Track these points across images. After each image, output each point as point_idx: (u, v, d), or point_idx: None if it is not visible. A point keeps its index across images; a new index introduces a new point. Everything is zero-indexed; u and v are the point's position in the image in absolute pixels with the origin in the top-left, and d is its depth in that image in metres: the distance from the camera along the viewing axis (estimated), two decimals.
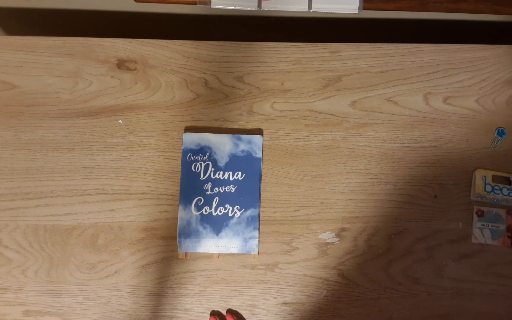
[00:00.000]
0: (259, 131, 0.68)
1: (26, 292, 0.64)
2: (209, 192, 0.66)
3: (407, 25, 0.83)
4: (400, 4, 0.68)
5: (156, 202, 0.66)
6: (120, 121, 0.68)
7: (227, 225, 0.65)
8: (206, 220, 0.65)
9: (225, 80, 0.69)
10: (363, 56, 0.70)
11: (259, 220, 0.66)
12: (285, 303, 0.66)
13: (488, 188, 0.67)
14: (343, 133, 0.69)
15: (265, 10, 0.67)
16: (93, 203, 0.66)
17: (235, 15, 0.81)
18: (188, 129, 0.68)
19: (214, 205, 0.66)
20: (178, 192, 0.66)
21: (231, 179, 0.66)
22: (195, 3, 0.67)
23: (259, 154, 0.67)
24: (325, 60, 0.70)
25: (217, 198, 0.66)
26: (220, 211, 0.66)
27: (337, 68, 0.70)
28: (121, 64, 0.69)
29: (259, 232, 0.66)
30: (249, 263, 0.66)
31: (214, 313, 0.65)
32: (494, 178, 0.68)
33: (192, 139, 0.67)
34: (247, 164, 0.67)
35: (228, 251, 0.65)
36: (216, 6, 0.67)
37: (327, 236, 0.67)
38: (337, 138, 0.68)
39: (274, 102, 0.69)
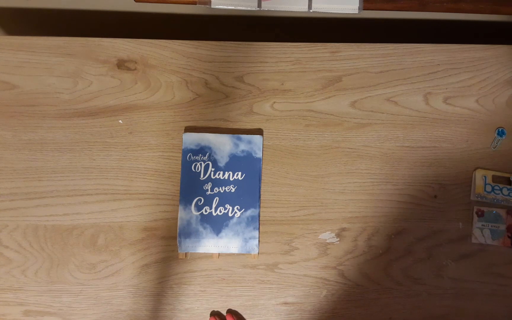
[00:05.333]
0: (259, 131, 0.68)
1: (26, 292, 0.64)
2: (209, 192, 0.66)
3: (407, 25, 0.83)
4: (400, 4, 0.68)
5: (156, 202, 0.66)
6: (120, 121, 0.68)
7: (227, 225, 0.65)
8: (206, 220, 0.65)
9: (225, 80, 0.69)
10: (363, 56, 0.70)
11: (259, 220, 0.66)
12: (285, 303, 0.66)
13: (488, 188, 0.67)
14: (343, 133, 0.69)
15: (265, 10, 0.67)
16: (93, 203, 0.66)
17: (235, 15, 0.81)
18: (188, 129, 0.68)
19: (214, 205, 0.66)
20: (178, 192, 0.66)
21: (231, 179, 0.66)
22: (195, 3, 0.67)
23: (259, 154, 0.67)
24: (325, 60, 0.70)
25: (217, 198, 0.66)
26: (220, 211, 0.66)
27: (337, 68, 0.70)
28: (121, 64, 0.69)
29: (259, 232, 0.66)
30: (249, 263, 0.66)
31: (214, 313, 0.65)
32: (494, 178, 0.68)
33: (192, 139, 0.67)
34: (247, 164, 0.67)
35: (228, 251, 0.65)
36: (216, 6, 0.67)
37: (327, 236, 0.67)
38: (337, 138, 0.68)
39: (274, 102, 0.69)
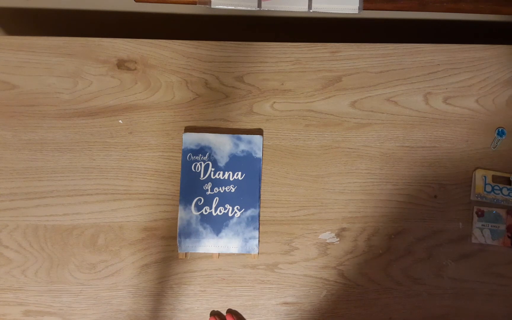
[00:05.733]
0: (259, 131, 0.68)
1: (26, 292, 0.64)
2: (209, 192, 0.66)
3: (407, 25, 0.83)
4: (400, 4, 0.68)
5: (156, 202, 0.66)
6: (120, 121, 0.68)
7: (227, 225, 0.65)
8: (206, 220, 0.65)
9: (225, 80, 0.69)
10: (363, 56, 0.70)
11: (259, 220, 0.66)
12: (285, 303, 0.66)
13: (488, 188, 0.67)
14: (343, 133, 0.69)
15: (265, 10, 0.67)
16: (93, 203, 0.66)
17: (235, 15, 0.81)
18: (188, 129, 0.68)
19: (214, 205, 0.66)
20: (178, 192, 0.66)
21: (231, 179, 0.66)
22: (195, 3, 0.67)
23: (259, 154, 0.67)
24: (325, 60, 0.70)
25: (217, 198, 0.66)
26: (220, 211, 0.66)
27: (337, 68, 0.70)
28: (121, 64, 0.69)
29: (259, 232, 0.66)
30: (249, 263, 0.66)
31: (214, 313, 0.65)
32: (494, 178, 0.68)
33: (192, 139, 0.67)
34: (247, 164, 0.67)
35: (228, 251, 0.65)
36: (216, 6, 0.67)
37: (327, 236, 0.67)
38: (337, 138, 0.68)
39: (274, 102, 0.69)
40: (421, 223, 0.67)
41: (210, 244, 0.65)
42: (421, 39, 0.75)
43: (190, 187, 0.66)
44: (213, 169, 0.66)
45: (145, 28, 0.85)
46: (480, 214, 0.67)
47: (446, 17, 0.79)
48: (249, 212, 0.66)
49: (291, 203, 0.67)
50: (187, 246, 0.65)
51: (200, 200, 0.66)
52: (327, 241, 0.67)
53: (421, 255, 0.66)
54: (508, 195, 0.67)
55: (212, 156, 0.67)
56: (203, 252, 0.65)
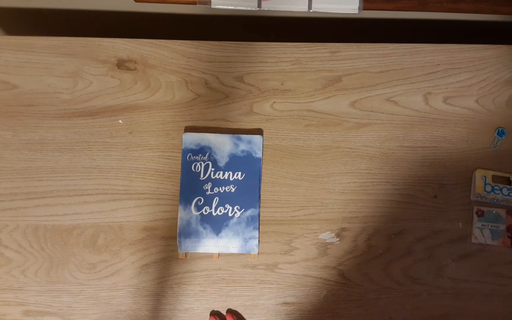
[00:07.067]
0: (259, 131, 0.68)
1: (26, 292, 0.64)
2: (209, 192, 0.66)
3: (407, 25, 0.83)
4: (400, 4, 0.68)
5: (156, 202, 0.66)
6: (120, 121, 0.68)
7: (227, 225, 0.65)
8: (206, 220, 0.65)
9: (225, 80, 0.69)
10: (363, 56, 0.70)
11: (259, 220, 0.66)
12: (285, 303, 0.66)
13: (488, 188, 0.67)
14: (343, 133, 0.69)
15: (265, 10, 0.67)
16: (93, 203, 0.66)
17: (235, 15, 0.81)
18: (188, 129, 0.68)
19: (214, 205, 0.66)
20: (178, 192, 0.66)
21: (231, 179, 0.66)
22: (195, 3, 0.67)
23: (259, 154, 0.67)
24: (325, 60, 0.70)
25: (217, 198, 0.66)
26: (220, 211, 0.66)
27: (337, 68, 0.70)
28: (121, 64, 0.69)
29: (259, 232, 0.66)
30: (249, 263, 0.66)
31: (214, 313, 0.65)
32: (494, 178, 0.68)
33: (192, 139, 0.67)
34: (247, 164, 0.67)
35: (228, 251, 0.65)
36: (216, 6, 0.67)
37: (327, 236, 0.67)
38: (337, 138, 0.68)
39: (274, 102, 0.69)
40: (421, 223, 0.67)
41: (210, 244, 0.65)
42: (421, 39, 0.75)
43: (190, 187, 0.66)
44: (213, 169, 0.66)
45: (145, 28, 0.85)
46: (480, 214, 0.67)
47: (446, 17, 0.79)
48: (249, 212, 0.66)
49: (291, 203, 0.67)
50: (187, 246, 0.65)
51: (200, 200, 0.66)
52: (327, 241, 0.67)
53: (421, 255, 0.66)
54: (508, 195, 0.67)
55: (212, 156, 0.67)
56: (203, 252, 0.65)
